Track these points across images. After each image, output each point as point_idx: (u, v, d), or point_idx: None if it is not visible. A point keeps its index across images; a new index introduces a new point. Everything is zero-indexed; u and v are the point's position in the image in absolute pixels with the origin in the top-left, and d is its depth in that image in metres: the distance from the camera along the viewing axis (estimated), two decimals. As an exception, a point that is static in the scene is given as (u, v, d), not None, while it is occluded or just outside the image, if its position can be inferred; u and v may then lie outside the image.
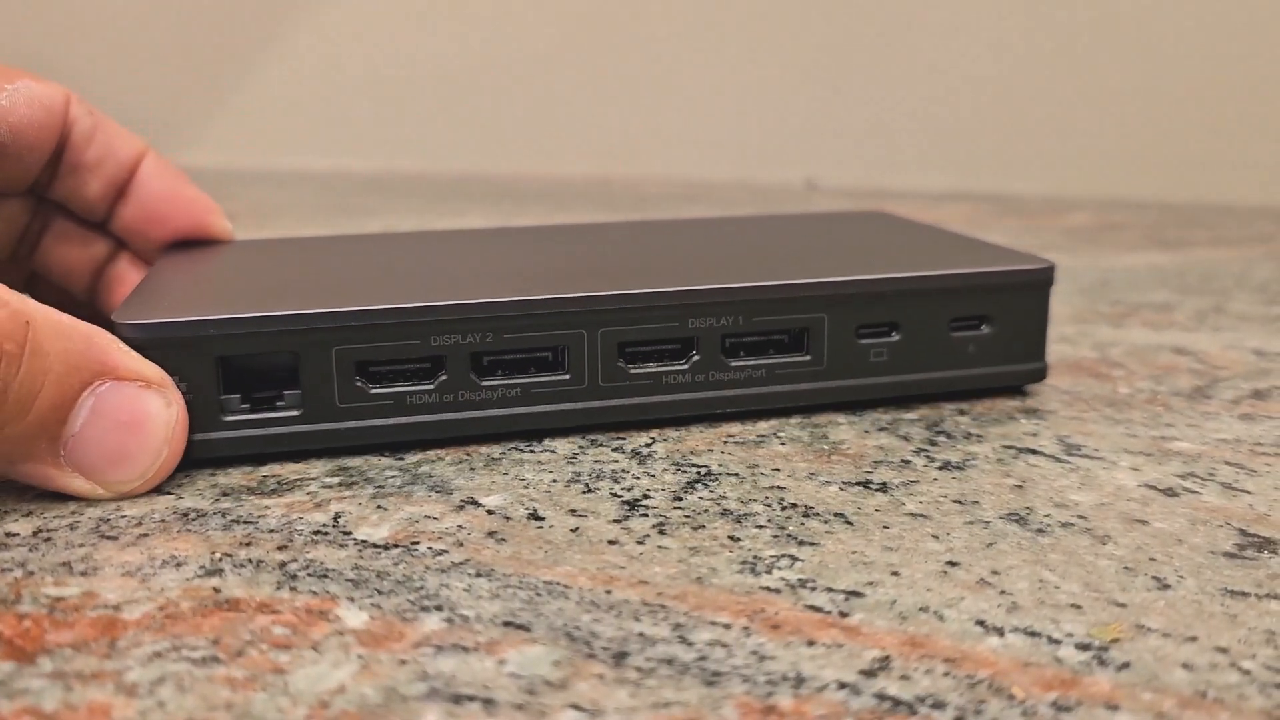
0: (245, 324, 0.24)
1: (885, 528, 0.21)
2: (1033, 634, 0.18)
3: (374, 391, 0.25)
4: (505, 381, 0.25)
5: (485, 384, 0.25)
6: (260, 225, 0.57)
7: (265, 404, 0.24)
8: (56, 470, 0.22)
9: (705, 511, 0.22)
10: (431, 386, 0.25)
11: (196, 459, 0.24)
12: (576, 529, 0.21)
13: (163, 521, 0.22)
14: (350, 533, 0.21)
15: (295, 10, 0.90)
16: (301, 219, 0.55)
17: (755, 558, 0.20)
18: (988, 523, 0.22)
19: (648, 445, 0.26)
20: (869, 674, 0.17)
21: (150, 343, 0.23)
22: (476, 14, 0.87)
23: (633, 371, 0.26)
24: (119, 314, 0.24)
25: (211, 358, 0.24)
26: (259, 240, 0.33)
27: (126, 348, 0.23)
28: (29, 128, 0.28)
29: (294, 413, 0.24)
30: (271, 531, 0.21)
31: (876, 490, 0.23)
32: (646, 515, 0.22)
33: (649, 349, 0.26)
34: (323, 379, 0.24)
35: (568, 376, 0.26)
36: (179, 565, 0.20)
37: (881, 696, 0.16)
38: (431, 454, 0.25)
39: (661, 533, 0.21)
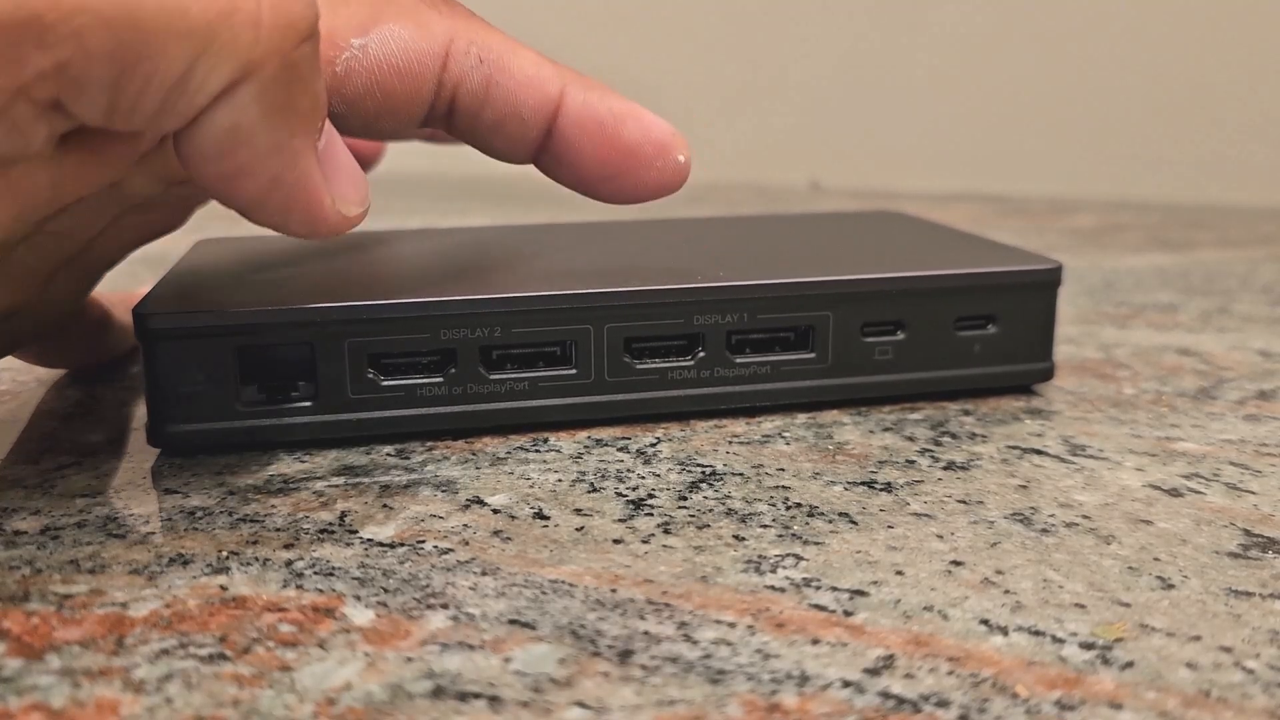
0: (262, 317, 0.24)
1: (890, 527, 0.22)
2: (1037, 633, 0.18)
3: (385, 384, 0.25)
4: (513, 375, 0.26)
5: (494, 378, 0.26)
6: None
7: (280, 395, 0.25)
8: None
9: (710, 511, 0.22)
10: (441, 379, 0.25)
11: (211, 447, 0.25)
12: (582, 528, 0.21)
13: (169, 520, 0.22)
14: (356, 531, 0.21)
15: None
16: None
17: (760, 557, 0.20)
18: (992, 522, 0.22)
19: (653, 445, 0.26)
20: (873, 672, 0.17)
21: (173, 333, 0.24)
22: (480, 14, 0.87)
23: (639, 367, 0.26)
24: (141, 306, 0.24)
25: (230, 349, 0.24)
26: (274, 236, 0.34)
27: None
28: (374, 97, 0.23)
29: (307, 403, 0.25)
30: (278, 530, 0.21)
31: (881, 490, 0.23)
32: (651, 514, 0.22)
33: (655, 345, 0.26)
34: (336, 371, 0.25)
35: (574, 371, 0.26)
36: (186, 563, 0.20)
37: (886, 695, 0.16)
38: (437, 453, 0.25)
39: (666, 532, 0.21)
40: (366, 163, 0.33)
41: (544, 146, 0.24)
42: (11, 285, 0.22)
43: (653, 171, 0.25)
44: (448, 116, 0.24)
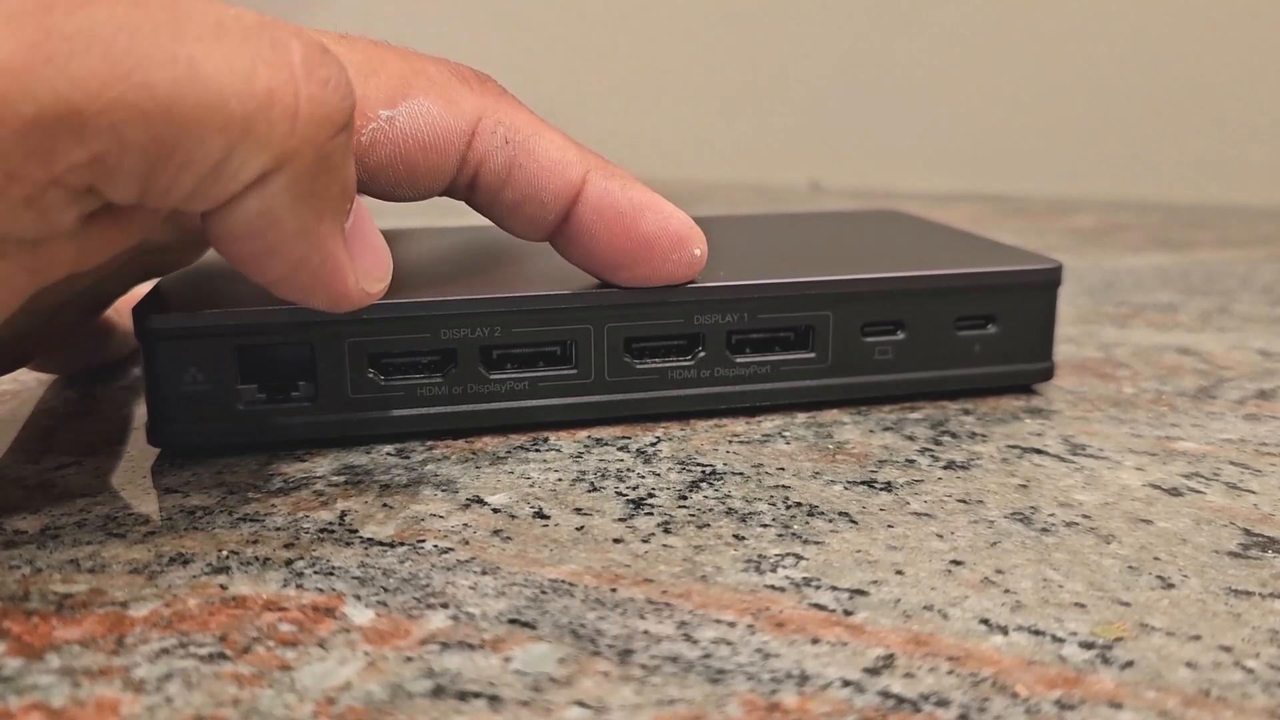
0: (262, 317, 0.24)
1: (890, 527, 0.22)
2: (1037, 633, 0.18)
3: (385, 383, 0.25)
4: (514, 375, 0.26)
5: (494, 377, 0.26)
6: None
7: (281, 395, 0.25)
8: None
9: (710, 510, 0.22)
10: (441, 379, 0.25)
11: (211, 447, 0.25)
12: (582, 527, 0.21)
13: (169, 519, 0.22)
14: (356, 531, 0.21)
15: (298, 11, 0.90)
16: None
17: (760, 556, 0.20)
18: (992, 522, 0.22)
19: (653, 444, 0.26)
20: (873, 672, 0.17)
21: (173, 333, 0.24)
22: (480, 13, 0.87)
23: (639, 367, 0.26)
24: (141, 306, 0.24)
25: (230, 349, 0.24)
26: None
27: None
28: (396, 169, 0.23)
29: (308, 403, 0.25)
30: (278, 529, 0.21)
31: (881, 489, 0.23)
32: (651, 514, 0.22)
33: (655, 344, 0.26)
34: (336, 370, 0.25)
35: (575, 371, 0.26)
36: (186, 563, 0.20)
37: (885, 694, 0.16)
38: (437, 452, 0.25)
39: (666, 531, 0.21)
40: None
41: (560, 229, 0.25)
42: (18, 320, 0.22)
43: (668, 264, 0.25)
44: (468, 191, 0.24)
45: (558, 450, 0.25)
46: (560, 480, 0.24)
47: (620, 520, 0.22)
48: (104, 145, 0.16)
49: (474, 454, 0.25)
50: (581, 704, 0.16)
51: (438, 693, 0.16)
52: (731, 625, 0.18)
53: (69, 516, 0.22)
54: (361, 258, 0.21)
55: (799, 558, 0.20)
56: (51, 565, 0.20)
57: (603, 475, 0.24)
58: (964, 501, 0.23)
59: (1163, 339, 0.36)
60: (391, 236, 0.33)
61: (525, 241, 0.32)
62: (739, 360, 0.27)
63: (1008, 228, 0.59)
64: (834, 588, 0.19)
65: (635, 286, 0.25)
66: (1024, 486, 0.23)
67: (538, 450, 0.25)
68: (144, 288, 0.29)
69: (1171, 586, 0.19)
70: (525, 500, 0.23)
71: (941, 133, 0.77)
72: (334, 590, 0.19)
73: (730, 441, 0.26)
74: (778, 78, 0.81)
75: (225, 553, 0.20)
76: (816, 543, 0.21)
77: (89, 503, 0.22)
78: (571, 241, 0.25)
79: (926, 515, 0.22)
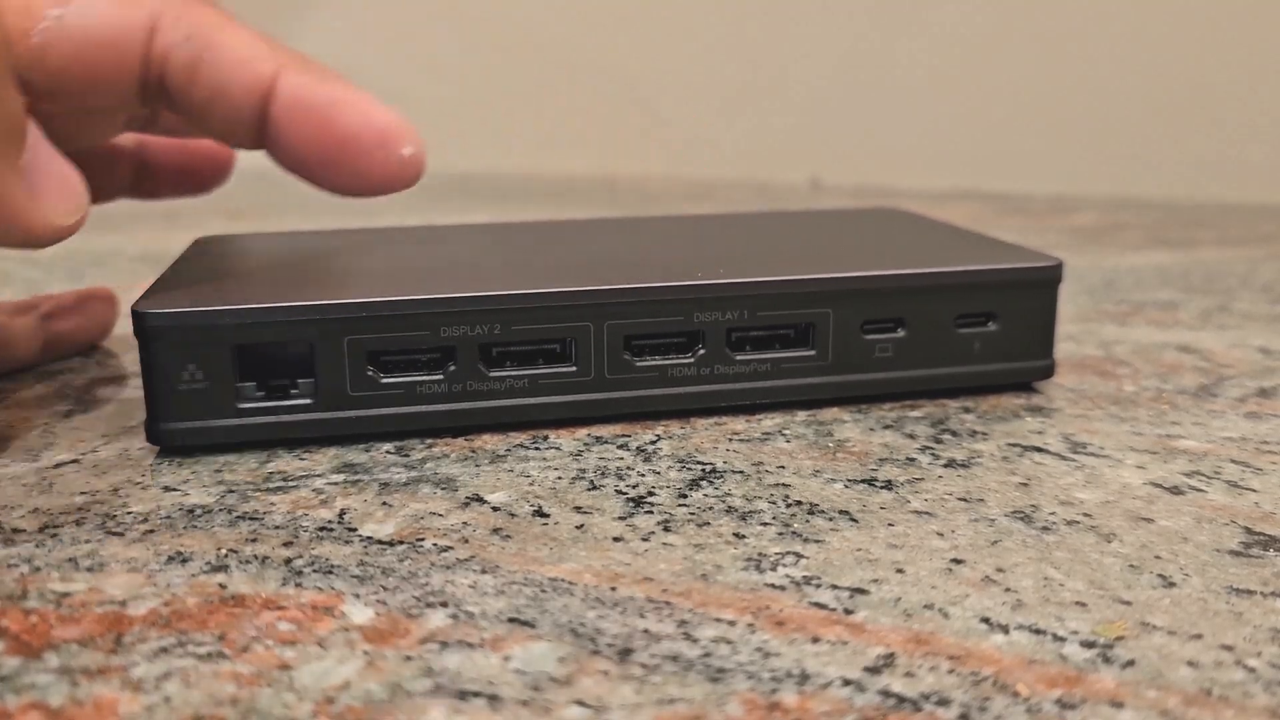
0: (261, 314, 0.24)
1: (890, 525, 0.21)
2: (1037, 631, 0.18)
3: (385, 381, 0.25)
4: (513, 373, 0.26)
5: (494, 375, 0.26)
6: (270, 222, 0.57)
7: (279, 392, 0.25)
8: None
9: (710, 509, 0.22)
10: (441, 377, 0.25)
11: (212, 445, 0.25)
12: (581, 526, 0.21)
13: (168, 518, 0.22)
14: (356, 529, 0.21)
15: (298, 10, 0.90)
16: (309, 217, 0.55)
17: (760, 555, 0.20)
18: (993, 520, 0.22)
19: (653, 443, 0.26)
20: (873, 671, 0.17)
21: (170, 331, 0.24)
22: (481, 12, 0.87)
23: (639, 364, 0.26)
24: (139, 303, 0.24)
25: (228, 346, 0.24)
26: (274, 234, 0.34)
27: None
28: (75, 69, 0.22)
29: (307, 401, 0.25)
30: (277, 528, 0.21)
31: (881, 488, 0.23)
32: (651, 512, 0.22)
33: (655, 342, 0.26)
34: (335, 368, 0.25)
35: (574, 368, 0.26)
36: (185, 561, 0.20)
37: (886, 694, 0.16)
38: (437, 450, 0.25)
39: (666, 530, 0.21)
40: (221, 167, 0.33)
41: (264, 133, 0.23)
42: None
43: (374, 163, 0.23)
44: (161, 93, 0.23)
45: (557, 448, 0.25)
46: (560, 478, 0.24)
47: (620, 519, 0.22)
48: None
49: (473, 452, 0.25)
50: (581, 703, 0.16)
51: (437, 692, 0.16)
52: (731, 624, 0.18)
53: (68, 516, 0.22)
54: (46, 194, 0.21)
55: (799, 556, 0.20)
56: (50, 564, 0.20)
57: (602, 473, 0.24)
58: (964, 500, 0.23)
59: (1163, 337, 0.36)
60: (391, 234, 0.33)
61: (524, 239, 0.32)
62: (739, 358, 0.27)
63: (1008, 226, 0.59)
64: (834, 586, 0.19)
65: (352, 192, 0.24)
66: (1025, 485, 0.23)
67: (537, 448, 0.25)
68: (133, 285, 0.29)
69: (1173, 585, 0.19)
70: (525, 499, 0.23)
71: (941, 131, 0.77)
72: (333, 589, 0.19)
73: (730, 440, 0.26)
74: (778, 77, 0.81)
75: (224, 551, 0.20)
76: (817, 541, 0.21)
77: (88, 502, 0.22)
78: (274, 142, 0.24)
79: (927, 514, 0.22)
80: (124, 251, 0.48)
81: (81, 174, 0.22)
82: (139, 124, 0.29)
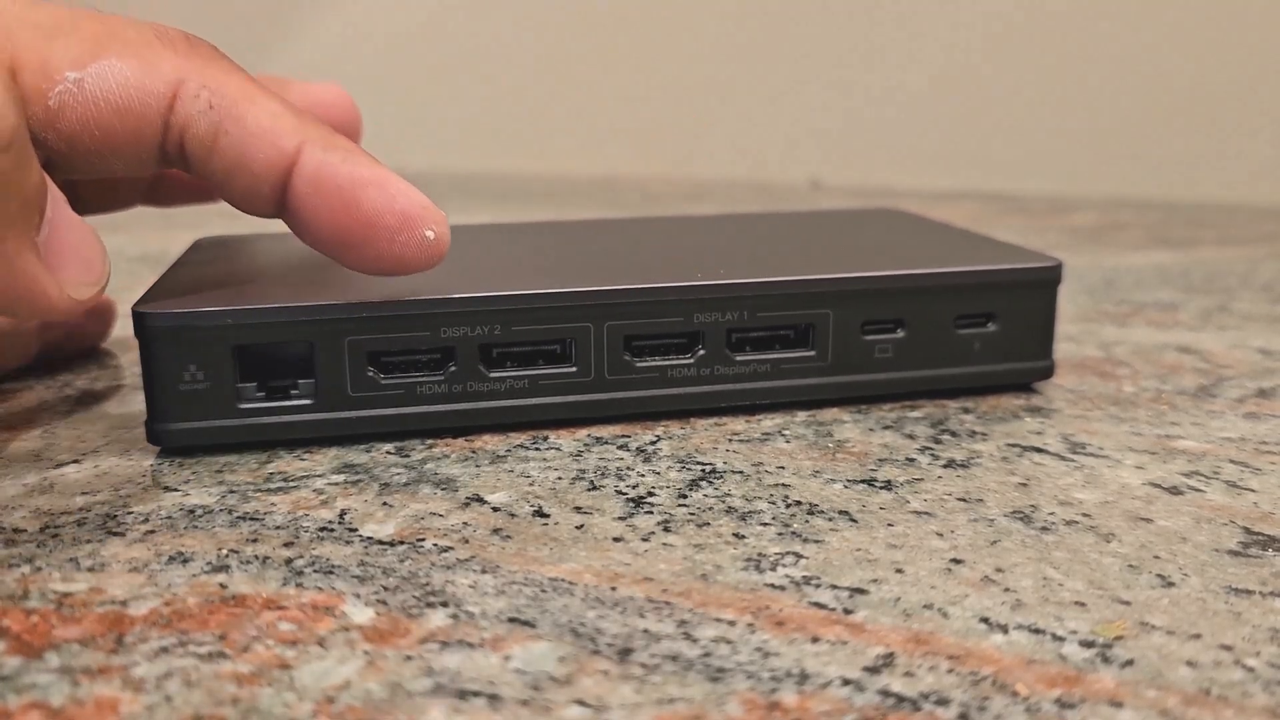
0: (261, 315, 0.24)
1: (890, 525, 0.22)
2: (1037, 631, 0.18)
3: (385, 381, 0.25)
4: (513, 373, 0.26)
5: (494, 375, 0.26)
6: (269, 223, 0.57)
7: (280, 393, 0.25)
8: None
9: (710, 509, 0.22)
10: (441, 377, 0.25)
11: (212, 446, 0.25)
12: (581, 526, 0.21)
13: (169, 518, 0.22)
14: (356, 529, 0.21)
15: (298, 10, 0.90)
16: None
17: (760, 555, 0.20)
18: (992, 520, 0.22)
19: (653, 443, 0.26)
20: (873, 671, 0.17)
21: (171, 332, 0.24)
22: (482, 12, 0.87)
23: (639, 365, 0.26)
24: (140, 304, 0.24)
25: (228, 347, 0.24)
26: (274, 235, 0.34)
27: None
28: (91, 134, 0.21)
29: (307, 401, 0.25)
30: (278, 528, 0.21)
31: (881, 488, 0.23)
32: (651, 513, 0.22)
33: (655, 343, 0.26)
34: (335, 369, 0.25)
35: (574, 369, 0.26)
36: (185, 561, 0.20)
37: (885, 693, 0.16)
38: (437, 451, 0.25)
39: (666, 530, 0.21)
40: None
41: (283, 204, 0.23)
42: None
43: (394, 245, 0.23)
44: (181, 161, 0.23)
45: (557, 449, 0.25)
46: (560, 479, 0.24)
47: (620, 519, 0.22)
48: None
49: (474, 452, 0.25)
50: (581, 703, 0.16)
51: (437, 691, 0.16)
52: (731, 624, 0.18)
53: (69, 516, 0.22)
54: (64, 267, 0.21)
55: (799, 556, 0.20)
56: (51, 564, 0.20)
57: (602, 474, 0.24)
58: (964, 500, 0.23)
59: (1163, 337, 0.36)
60: None
61: (524, 239, 0.32)
62: (739, 358, 0.27)
63: (1008, 226, 0.59)
64: (834, 586, 0.19)
65: (373, 273, 0.23)
66: (1024, 485, 0.23)
67: (537, 449, 0.25)
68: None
69: (1172, 585, 0.19)
70: (525, 499, 0.23)
71: (942, 131, 0.77)
72: (333, 589, 0.19)
73: (730, 440, 0.26)
74: (778, 77, 0.81)
75: (225, 551, 0.20)
76: (816, 541, 0.21)
77: (89, 502, 0.22)
78: (294, 218, 0.23)
79: (926, 514, 0.22)
80: (124, 252, 0.48)
81: (101, 243, 0.22)
82: None
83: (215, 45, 0.23)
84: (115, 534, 0.21)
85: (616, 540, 0.21)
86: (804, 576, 0.19)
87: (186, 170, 0.23)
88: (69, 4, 0.22)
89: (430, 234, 0.23)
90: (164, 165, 0.23)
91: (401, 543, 0.21)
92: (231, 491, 0.23)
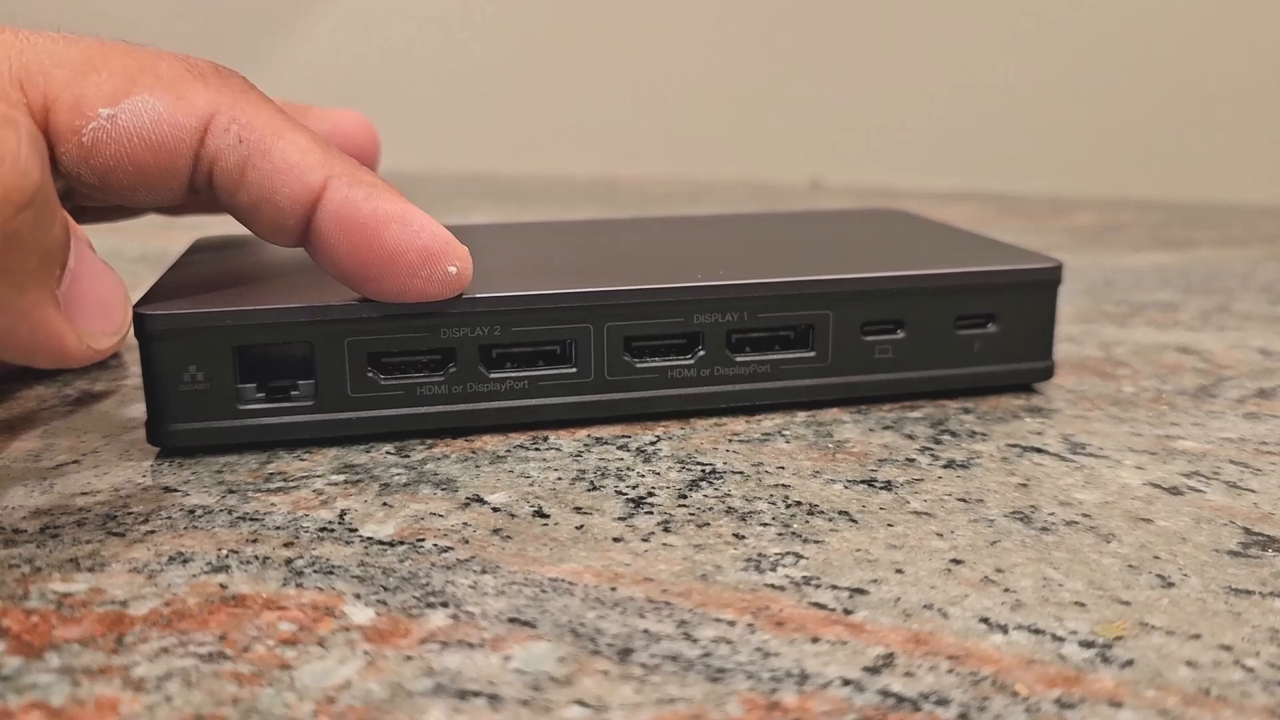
0: (261, 315, 0.24)
1: (889, 525, 0.22)
2: (1036, 631, 0.18)
3: (385, 382, 0.25)
4: (513, 374, 0.26)
5: (494, 376, 0.26)
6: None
7: (280, 394, 0.25)
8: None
9: (710, 509, 0.22)
10: (441, 378, 0.25)
11: (212, 446, 0.25)
12: (581, 526, 0.21)
13: (169, 519, 0.22)
14: (356, 530, 0.21)
15: (298, 9, 0.90)
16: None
17: (760, 555, 0.20)
18: (992, 521, 0.22)
19: (653, 443, 0.26)
20: (873, 671, 0.17)
21: (171, 332, 0.24)
22: (482, 12, 0.87)
23: (639, 366, 0.26)
24: (140, 305, 0.24)
25: (229, 347, 0.24)
26: None
27: None
28: (124, 170, 0.21)
29: (307, 402, 0.25)
30: (278, 529, 0.21)
31: (881, 488, 0.23)
32: (651, 513, 0.22)
33: (655, 344, 0.26)
34: (335, 369, 0.25)
35: (574, 370, 0.26)
36: (185, 562, 0.20)
37: (885, 693, 0.16)
38: (437, 451, 0.25)
39: (666, 530, 0.21)
40: None
41: (306, 237, 0.23)
42: None
43: (416, 280, 0.23)
44: (208, 192, 0.23)
45: (557, 449, 0.25)
46: (560, 479, 0.24)
47: (620, 519, 0.22)
48: None
49: (474, 453, 0.25)
50: (581, 703, 0.16)
51: (437, 692, 0.16)
52: (731, 624, 0.18)
53: (69, 516, 0.22)
54: (83, 318, 0.21)
55: (799, 557, 0.20)
56: (51, 564, 0.20)
57: (602, 474, 0.24)
58: (964, 500, 0.23)
59: (1163, 338, 0.36)
60: None
61: (524, 240, 0.32)
62: (739, 359, 0.27)
63: (1008, 226, 0.59)
64: (834, 587, 0.19)
65: (394, 301, 0.24)
66: (1024, 485, 0.23)
67: (537, 449, 0.25)
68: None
69: (1171, 585, 0.19)
70: (525, 499, 0.23)
71: (941, 132, 0.77)
72: (334, 589, 0.19)
73: (730, 440, 0.26)
74: (778, 77, 0.81)
75: (225, 552, 0.20)
76: (816, 542, 0.21)
77: (89, 502, 0.22)
78: (317, 250, 0.23)
79: (926, 514, 0.22)
80: (123, 253, 0.48)
81: (123, 289, 0.22)
82: None
83: (245, 77, 0.23)
84: (115, 534, 0.21)
85: (616, 540, 0.21)
86: (804, 577, 0.19)
87: (212, 200, 0.23)
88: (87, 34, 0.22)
89: (453, 269, 0.24)
90: (190, 196, 0.23)
91: (401, 543, 0.21)
92: (231, 492, 0.23)
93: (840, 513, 0.22)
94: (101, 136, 0.21)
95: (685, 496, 0.23)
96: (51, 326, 0.20)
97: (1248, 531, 0.21)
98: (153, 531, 0.21)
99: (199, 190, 0.23)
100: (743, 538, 0.21)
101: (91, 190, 0.22)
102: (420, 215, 0.23)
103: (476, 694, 0.16)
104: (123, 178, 0.22)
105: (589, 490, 0.23)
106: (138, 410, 0.28)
